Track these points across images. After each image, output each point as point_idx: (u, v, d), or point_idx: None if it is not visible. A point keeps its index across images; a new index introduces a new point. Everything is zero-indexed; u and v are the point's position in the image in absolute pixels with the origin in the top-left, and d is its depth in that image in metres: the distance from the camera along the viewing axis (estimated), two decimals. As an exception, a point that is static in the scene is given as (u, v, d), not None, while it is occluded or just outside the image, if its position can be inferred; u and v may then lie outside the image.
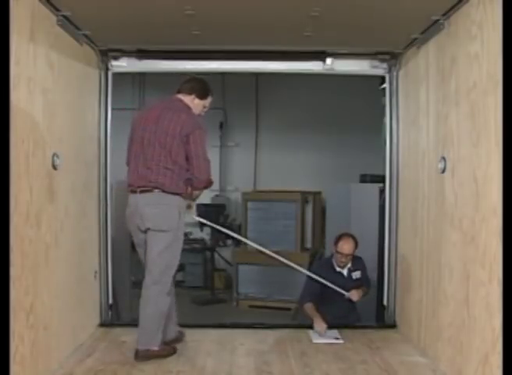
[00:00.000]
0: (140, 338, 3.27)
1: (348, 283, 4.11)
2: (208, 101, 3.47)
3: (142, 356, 3.22)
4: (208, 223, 3.94)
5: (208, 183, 3.41)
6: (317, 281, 4.10)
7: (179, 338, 3.57)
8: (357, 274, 4.18)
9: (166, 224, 3.25)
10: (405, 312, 3.92)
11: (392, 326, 4.07)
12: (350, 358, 3.33)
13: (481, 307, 2.59)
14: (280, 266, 7.19)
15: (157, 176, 3.23)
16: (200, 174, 3.29)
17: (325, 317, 3.91)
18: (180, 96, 3.41)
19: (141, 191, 3.25)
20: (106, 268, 4.09)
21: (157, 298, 3.28)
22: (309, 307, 4.02)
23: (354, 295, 4.07)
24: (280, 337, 3.59)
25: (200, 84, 3.45)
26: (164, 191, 3.24)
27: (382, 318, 4.30)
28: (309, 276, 4.21)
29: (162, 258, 3.27)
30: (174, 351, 3.38)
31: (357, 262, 4.20)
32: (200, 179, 3.32)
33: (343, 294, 4.07)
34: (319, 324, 3.84)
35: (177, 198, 3.28)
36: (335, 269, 4.17)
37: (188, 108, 3.37)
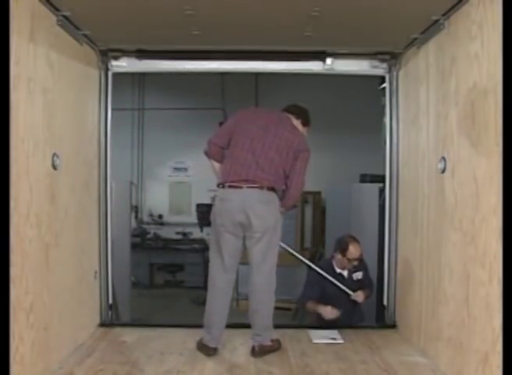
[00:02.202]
0: (256, 336, 3.37)
1: (349, 285, 4.10)
2: (306, 130, 3.67)
3: (260, 352, 3.34)
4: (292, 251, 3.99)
5: (294, 203, 3.60)
6: (317, 285, 4.10)
7: None
8: (358, 275, 4.17)
9: (274, 222, 3.35)
10: (405, 312, 3.92)
11: (392, 326, 4.07)
12: (350, 358, 3.33)
13: (481, 307, 2.59)
14: (280, 265, 7.21)
15: (268, 175, 3.31)
16: (294, 189, 3.43)
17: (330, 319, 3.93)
18: (290, 115, 3.59)
19: (249, 187, 3.27)
20: (106, 268, 4.08)
21: (270, 296, 3.37)
22: (310, 304, 4.05)
23: (360, 296, 4.06)
24: (280, 337, 3.59)
25: (306, 113, 3.69)
26: (271, 190, 3.33)
27: (382, 318, 4.30)
28: (309, 280, 4.21)
29: (270, 256, 3.36)
30: (280, 344, 3.49)
31: (360, 262, 4.17)
32: (292, 193, 3.45)
33: (346, 296, 4.06)
34: (328, 311, 3.87)
35: (278, 200, 3.39)
36: (335, 271, 4.16)
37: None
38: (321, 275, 4.11)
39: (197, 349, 3.41)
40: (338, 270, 4.15)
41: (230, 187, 3.29)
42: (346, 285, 4.08)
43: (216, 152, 3.50)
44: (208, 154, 3.54)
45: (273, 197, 3.35)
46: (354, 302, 4.12)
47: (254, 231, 3.30)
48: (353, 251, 4.05)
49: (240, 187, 3.27)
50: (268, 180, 3.31)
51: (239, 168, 3.31)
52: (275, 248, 3.41)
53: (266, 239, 3.32)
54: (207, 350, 3.35)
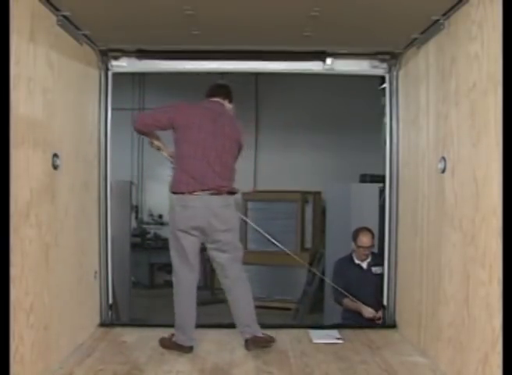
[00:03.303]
0: (247, 327, 3.44)
1: (367, 277, 4.31)
2: (231, 106, 3.68)
3: (254, 343, 3.39)
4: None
5: None
6: (341, 278, 4.46)
7: None
8: (377, 270, 4.35)
9: (237, 223, 3.56)
10: (405, 312, 3.92)
11: (392, 326, 4.07)
12: (350, 358, 3.33)
13: (481, 307, 2.59)
14: (280, 265, 7.21)
15: (227, 181, 3.43)
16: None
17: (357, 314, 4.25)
18: (219, 100, 3.59)
19: (212, 193, 3.35)
20: (106, 268, 4.08)
21: (248, 287, 3.52)
22: (348, 301, 4.35)
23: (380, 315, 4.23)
24: (280, 337, 3.59)
25: (230, 91, 3.68)
26: (230, 194, 3.45)
27: (382, 318, 4.30)
28: (333, 275, 4.59)
29: (239, 252, 3.51)
30: (272, 337, 3.51)
31: (380, 258, 4.36)
32: None
33: (368, 291, 4.29)
34: (368, 310, 4.18)
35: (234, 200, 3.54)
36: (354, 262, 4.47)
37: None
38: (343, 267, 4.49)
39: (165, 348, 3.44)
40: (356, 261, 4.46)
41: (191, 193, 3.35)
42: (364, 277, 4.32)
43: (143, 133, 3.61)
44: (137, 131, 3.57)
45: (232, 199, 3.49)
46: (376, 299, 4.26)
47: (217, 234, 3.39)
48: (363, 239, 4.38)
49: (203, 195, 3.34)
50: (227, 185, 3.43)
51: (198, 177, 3.35)
52: (239, 243, 3.55)
53: (230, 238, 3.45)
54: (184, 349, 3.39)
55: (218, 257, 3.47)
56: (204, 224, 3.35)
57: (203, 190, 3.34)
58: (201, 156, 3.36)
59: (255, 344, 3.38)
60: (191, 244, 3.41)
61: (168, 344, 3.46)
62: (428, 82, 3.48)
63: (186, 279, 3.46)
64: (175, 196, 3.40)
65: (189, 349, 3.40)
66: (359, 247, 4.40)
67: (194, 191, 3.34)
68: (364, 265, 4.42)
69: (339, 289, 4.34)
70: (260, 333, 3.43)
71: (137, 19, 3.27)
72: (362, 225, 4.87)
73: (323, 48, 4.02)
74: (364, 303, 4.26)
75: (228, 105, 3.61)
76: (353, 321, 4.33)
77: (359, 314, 4.30)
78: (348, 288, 4.37)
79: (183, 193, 3.35)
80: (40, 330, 2.82)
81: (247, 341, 3.40)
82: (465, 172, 2.85)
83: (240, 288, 3.49)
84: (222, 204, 3.39)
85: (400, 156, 4.08)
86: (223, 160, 3.41)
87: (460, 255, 2.89)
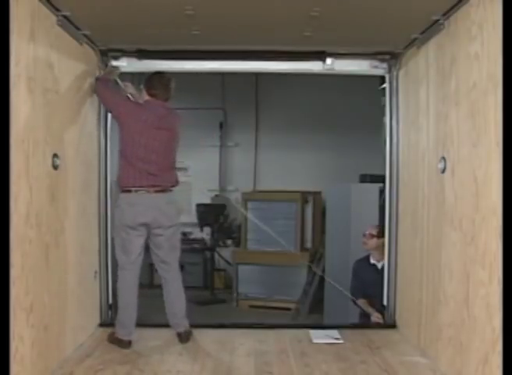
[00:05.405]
0: (181, 323, 3.62)
1: (382, 277, 4.28)
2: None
3: (188, 337, 3.61)
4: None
5: None
6: (359, 277, 4.63)
7: None
8: None
9: (177, 218, 3.69)
10: (405, 312, 3.92)
11: (392, 326, 4.07)
12: (350, 358, 3.33)
13: (481, 307, 2.59)
14: (280, 265, 7.22)
15: (171, 179, 3.61)
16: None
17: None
18: (167, 104, 3.67)
19: (158, 191, 3.52)
20: (106, 268, 4.08)
21: (181, 285, 3.69)
22: (362, 302, 4.50)
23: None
24: (280, 337, 3.59)
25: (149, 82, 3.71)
26: (171, 190, 3.62)
27: (382, 318, 4.30)
28: (351, 275, 4.74)
29: (177, 247, 3.70)
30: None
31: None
32: None
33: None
34: (377, 316, 4.26)
35: None
36: (370, 263, 4.57)
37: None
38: (360, 268, 4.64)
39: (109, 342, 3.54)
40: (372, 261, 4.56)
41: (138, 191, 3.49)
42: (377, 277, 4.33)
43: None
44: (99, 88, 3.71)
45: (174, 196, 3.66)
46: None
47: (162, 229, 3.55)
48: (369, 227, 4.62)
49: (149, 192, 3.50)
50: (171, 182, 3.61)
51: (144, 175, 3.49)
52: (178, 242, 3.73)
53: (172, 233, 3.62)
54: (123, 344, 3.48)
55: (160, 252, 3.62)
56: (150, 220, 3.50)
57: (148, 185, 3.49)
58: (148, 156, 3.50)
59: (188, 338, 3.59)
60: (138, 239, 3.53)
61: (111, 340, 3.56)
62: (428, 82, 3.48)
63: (128, 275, 3.56)
64: (122, 194, 3.53)
65: (127, 344, 3.49)
66: (364, 235, 4.61)
67: (142, 187, 3.47)
68: (380, 265, 4.45)
69: (339, 288, 4.40)
70: (187, 327, 3.64)
71: (137, 19, 3.27)
72: (363, 225, 4.92)
73: (323, 48, 4.02)
74: (378, 302, 4.30)
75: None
76: (367, 321, 4.43)
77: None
78: (364, 288, 4.51)
79: (129, 191, 3.49)
80: (40, 330, 2.82)
81: (180, 334, 3.58)
82: (465, 172, 2.85)
83: (178, 285, 3.66)
84: (166, 201, 3.57)
85: (399, 156, 4.08)
86: (169, 160, 3.60)
87: (460, 255, 2.89)
